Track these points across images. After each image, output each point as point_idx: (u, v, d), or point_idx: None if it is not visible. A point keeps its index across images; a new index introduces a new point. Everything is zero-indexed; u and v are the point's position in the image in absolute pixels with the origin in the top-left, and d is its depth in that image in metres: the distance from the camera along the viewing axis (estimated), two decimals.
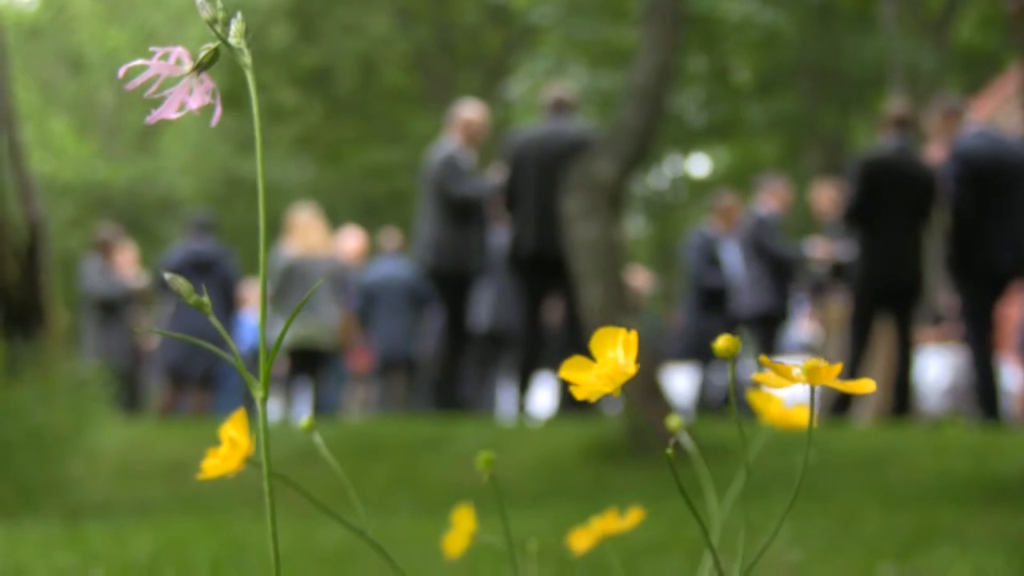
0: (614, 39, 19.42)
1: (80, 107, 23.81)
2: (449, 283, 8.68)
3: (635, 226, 25.99)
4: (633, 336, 1.09)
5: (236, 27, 1.12)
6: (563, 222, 6.64)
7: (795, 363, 1.09)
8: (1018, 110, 11.53)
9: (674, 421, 1.46)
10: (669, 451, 1.10)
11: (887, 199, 8.07)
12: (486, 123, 9.00)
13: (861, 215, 8.14)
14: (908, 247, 8.14)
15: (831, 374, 1.05)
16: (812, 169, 21.01)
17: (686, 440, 1.48)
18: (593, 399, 1.08)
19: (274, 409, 11.50)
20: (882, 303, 8.21)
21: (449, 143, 8.77)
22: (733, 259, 10.43)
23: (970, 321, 7.97)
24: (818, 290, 10.47)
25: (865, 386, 1.06)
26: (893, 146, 8.21)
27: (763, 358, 1.07)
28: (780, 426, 1.47)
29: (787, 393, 1.11)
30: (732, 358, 1.12)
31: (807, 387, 1.07)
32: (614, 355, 1.08)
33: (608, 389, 1.07)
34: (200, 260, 10.22)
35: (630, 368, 1.08)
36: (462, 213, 8.58)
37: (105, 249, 11.15)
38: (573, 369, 1.10)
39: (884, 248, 8.13)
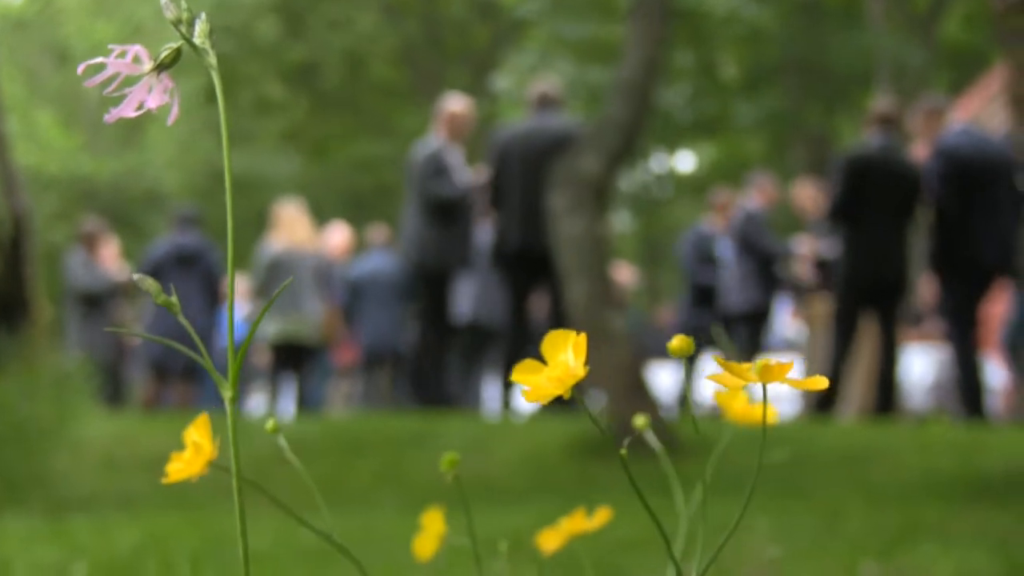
0: (601, 34, 19.40)
1: (66, 100, 23.71)
2: (433, 280, 8.66)
3: (621, 221, 26.00)
4: (583, 339, 1.08)
5: (200, 27, 1.11)
6: (548, 217, 6.63)
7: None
8: (1003, 108, 11.55)
9: (640, 420, 1.46)
10: (623, 452, 1.09)
11: (871, 197, 8.08)
12: (471, 116, 8.98)
13: (845, 213, 8.15)
14: (892, 245, 8.15)
15: (782, 372, 1.05)
16: (798, 166, 21.02)
17: (652, 438, 1.48)
18: (544, 402, 1.07)
19: (259, 403, 11.49)
20: (866, 301, 8.22)
21: (434, 140, 8.75)
22: (728, 256, 10.44)
23: (954, 318, 7.99)
24: (801, 288, 10.48)
25: (816, 383, 1.06)
26: (877, 143, 8.22)
27: (717, 358, 1.07)
28: (745, 424, 1.47)
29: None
30: (687, 358, 1.12)
31: (774, 385, 1.07)
32: (564, 357, 1.07)
33: (558, 392, 1.06)
34: (185, 254, 10.20)
35: (580, 371, 1.07)
36: (446, 211, 8.56)
37: (89, 242, 11.11)
38: (523, 372, 1.09)
39: (868, 246, 8.14)
